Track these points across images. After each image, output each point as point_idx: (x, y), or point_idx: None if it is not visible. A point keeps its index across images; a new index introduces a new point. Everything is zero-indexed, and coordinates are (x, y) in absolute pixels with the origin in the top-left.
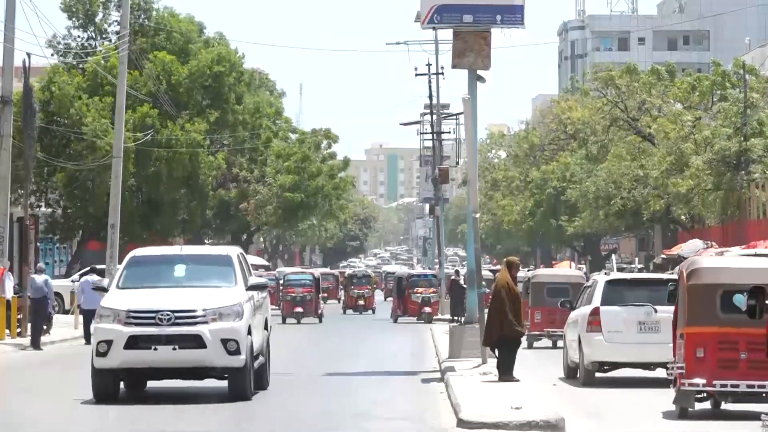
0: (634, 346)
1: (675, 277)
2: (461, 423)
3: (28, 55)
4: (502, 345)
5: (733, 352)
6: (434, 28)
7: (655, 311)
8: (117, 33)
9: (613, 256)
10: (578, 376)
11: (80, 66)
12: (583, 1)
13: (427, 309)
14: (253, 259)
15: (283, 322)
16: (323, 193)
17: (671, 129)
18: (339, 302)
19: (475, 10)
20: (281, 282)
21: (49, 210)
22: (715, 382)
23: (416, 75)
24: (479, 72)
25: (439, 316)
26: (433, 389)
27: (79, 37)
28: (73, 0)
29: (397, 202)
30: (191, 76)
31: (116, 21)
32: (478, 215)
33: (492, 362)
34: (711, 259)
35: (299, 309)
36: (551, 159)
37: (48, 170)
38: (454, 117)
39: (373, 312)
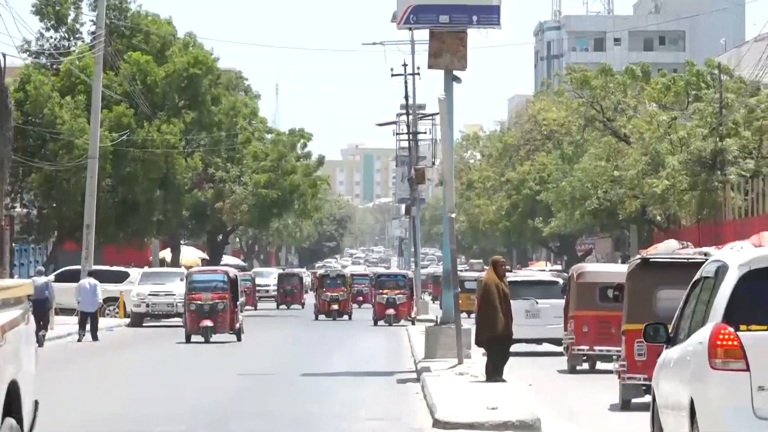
0: (523, 327)
1: (552, 278)
2: (437, 423)
3: (4, 55)
4: (494, 344)
5: (607, 328)
6: (410, 29)
7: (537, 303)
8: (91, 33)
9: (592, 255)
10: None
11: (54, 66)
12: (559, 2)
13: (391, 311)
14: (230, 260)
15: (187, 341)
16: (299, 192)
17: (646, 129)
18: (302, 307)
19: (451, 11)
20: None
21: (25, 211)
22: (595, 348)
23: (392, 75)
24: (455, 72)
25: (421, 317)
26: (409, 389)
27: (51, 38)
28: (43, 2)
29: (373, 203)
30: (167, 78)
31: (91, 20)
32: (454, 215)
33: (468, 362)
34: (592, 265)
35: (207, 322)
36: (526, 159)
37: (23, 171)
38: (430, 117)
39: (350, 317)
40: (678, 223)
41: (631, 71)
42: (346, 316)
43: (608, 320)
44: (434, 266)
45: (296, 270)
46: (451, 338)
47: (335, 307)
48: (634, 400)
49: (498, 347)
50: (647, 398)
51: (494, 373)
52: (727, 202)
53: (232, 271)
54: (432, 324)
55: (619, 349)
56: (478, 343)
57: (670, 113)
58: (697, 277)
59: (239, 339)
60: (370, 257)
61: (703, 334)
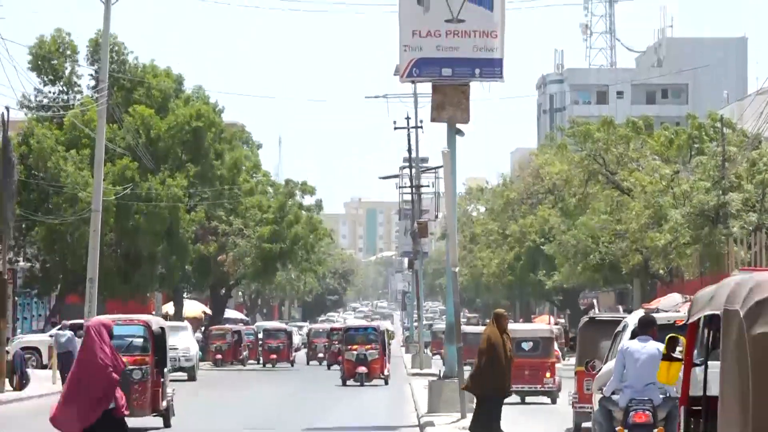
0: None
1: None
2: None
3: (7, 109)
4: (488, 402)
5: (522, 371)
6: (413, 82)
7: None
8: (91, 88)
9: (594, 308)
10: None
11: (55, 120)
12: (562, 55)
13: (363, 369)
14: (233, 314)
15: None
16: (302, 243)
17: (648, 182)
18: (291, 365)
19: (454, 64)
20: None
21: (28, 264)
22: (513, 386)
23: (395, 128)
24: (458, 125)
25: (423, 371)
26: None
27: (50, 92)
28: (39, 58)
29: (376, 256)
30: (170, 131)
31: (90, 75)
32: (457, 269)
33: (471, 416)
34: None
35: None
36: (529, 213)
37: (27, 224)
38: (434, 170)
39: (386, 383)
40: (681, 276)
41: (633, 123)
42: (380, 381)
43: (522, 366)
44: (436, 320)
45: (282, 325)
46: (455, 392)
47: (362, 369)
48: (583, 425)
49: (493, 405)
50: None
51: (491, 429)
52: (730, 256)
53: (157, 323)
54: (435, 378)
55: (530, 385)
56: (467, 389)
57: (672, 166)
58: (616, 330)
59: (167, 424)
60: (376, 311)
61: (609, 364)
